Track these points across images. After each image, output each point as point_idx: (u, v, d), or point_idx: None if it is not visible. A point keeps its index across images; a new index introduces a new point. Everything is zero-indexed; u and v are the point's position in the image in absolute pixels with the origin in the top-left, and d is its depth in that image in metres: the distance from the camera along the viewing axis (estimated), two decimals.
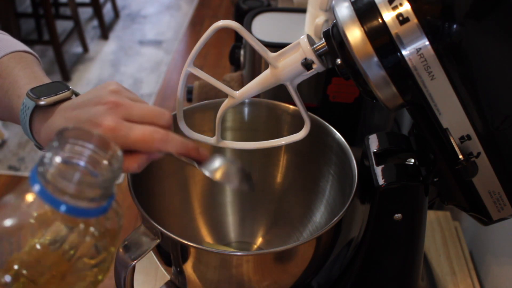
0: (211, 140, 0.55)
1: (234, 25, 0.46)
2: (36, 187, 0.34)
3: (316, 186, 0.68)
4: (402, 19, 0.41)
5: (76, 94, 0.52)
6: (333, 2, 0.46)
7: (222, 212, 0.74)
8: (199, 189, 0.72)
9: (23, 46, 0.60)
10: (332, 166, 0.65)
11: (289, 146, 0.70)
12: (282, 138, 0.55)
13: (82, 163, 0.36)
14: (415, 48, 0.41)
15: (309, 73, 0.49)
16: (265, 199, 0.73)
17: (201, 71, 0.50)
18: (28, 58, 0.58)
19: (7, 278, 0.34)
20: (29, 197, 0.35)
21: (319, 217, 0.68)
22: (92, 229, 0.36)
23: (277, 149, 0.70)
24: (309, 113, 0.57)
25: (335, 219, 0.52)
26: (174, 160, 0.69)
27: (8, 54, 0.57)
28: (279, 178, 0.73)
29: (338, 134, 0.62)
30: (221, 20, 0.46)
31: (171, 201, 0.69)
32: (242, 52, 1.00)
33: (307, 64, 0.47)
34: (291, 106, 0.67)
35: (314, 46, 0.47)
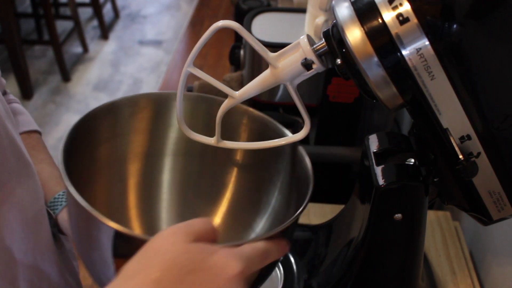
0: (211, 140, 0.55)
1: (234, 25, 0.46)
2: None
3: (263, 193, 0.63)
4: (402, 19, 0.41)
5: None
6: (333, 2, 0.46)
7: (160, 214, 0.67)
8: (136, 194, 0.65)
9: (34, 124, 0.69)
10: (283, 171, 0.60)
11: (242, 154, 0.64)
12: (281, 139, 0.55)
13: None
14: (415, 48, 0.41)
15: (309, 73, 0.49)
16: (212, 205, 0.66)
17: (201, 71, 0.50)
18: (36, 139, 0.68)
19: None
20: None
21: (263, 224, 0.62)
22: None
23: (229, 155, 0.64)
24: (256, 111, 0.56)
25: (275, 230, 0.45)
26: (111, 148, 0.61)
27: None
28: (229, 188, 0.66)
29: (287, 132, 0.58)
30: (221, 20, 0.46)
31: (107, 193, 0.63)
32: (242, 52, 1.00)
33: (307, 64, 0.47)
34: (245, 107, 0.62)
35: (314, 46, 0.47)
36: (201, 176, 0.67)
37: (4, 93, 0.71)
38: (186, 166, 0.66)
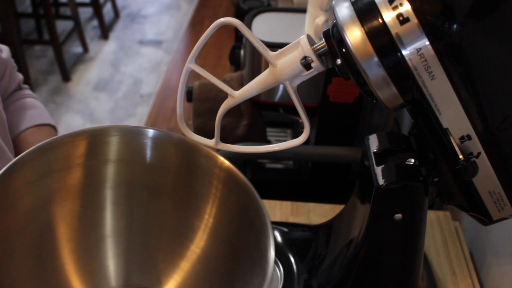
0: (210, 142, 0.55)
1: (235, 22, 0.47)
2: None
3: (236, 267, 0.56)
4: (402, 19, 0.41)
5: None
6: (333, 2, 0.46)
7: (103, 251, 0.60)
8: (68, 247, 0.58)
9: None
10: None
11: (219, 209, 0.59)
12: (283, 143, 0.54)
13: None
14: (415, 48, 0.41)
15: (308, 73, 0.48)
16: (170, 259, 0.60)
17: (202, 68, 0.50)
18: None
19: None
20: None
21: None
22: None
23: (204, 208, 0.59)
24: (234, 169, 0.54)
25: None
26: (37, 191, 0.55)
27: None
28: (194, 245, 0.60)
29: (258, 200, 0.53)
30: (223, 17, 0.47)
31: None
32: (242, 52, 1.00)
33: (306, 64, 0.47)
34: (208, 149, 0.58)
35: (314, 46, 0.47)
36: (151, 221, 0.61)
37: (20, 88, 0.71)
38: (131, 207, 0.61)
